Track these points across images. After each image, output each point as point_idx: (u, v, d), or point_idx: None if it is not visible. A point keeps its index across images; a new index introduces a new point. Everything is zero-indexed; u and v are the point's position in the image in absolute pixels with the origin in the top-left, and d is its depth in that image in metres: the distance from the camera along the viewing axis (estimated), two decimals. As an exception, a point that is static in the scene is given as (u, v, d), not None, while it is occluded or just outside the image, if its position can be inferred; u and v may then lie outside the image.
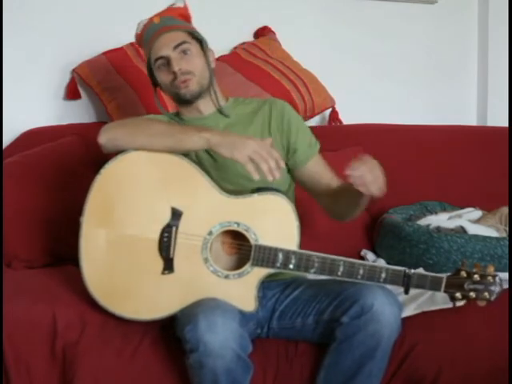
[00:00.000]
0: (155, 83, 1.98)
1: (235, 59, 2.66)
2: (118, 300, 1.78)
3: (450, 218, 2.45)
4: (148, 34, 1.94)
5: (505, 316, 1.90)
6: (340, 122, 2.81)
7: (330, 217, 2.00)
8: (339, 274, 1.74)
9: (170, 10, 1.98)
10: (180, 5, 2.00)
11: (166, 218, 1.76)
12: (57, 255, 2.15)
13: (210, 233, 1.76)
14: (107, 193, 1.78)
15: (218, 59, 2.65)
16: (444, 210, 2.57)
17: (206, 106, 1.95)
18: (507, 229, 2.38)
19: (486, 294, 1.73)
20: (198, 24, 2.68)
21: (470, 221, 2.41)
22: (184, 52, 1.89)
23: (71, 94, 2.58)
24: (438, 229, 2.33)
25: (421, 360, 1.83)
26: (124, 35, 2.59)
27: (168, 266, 1.75)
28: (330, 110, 2.79)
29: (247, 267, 1.75)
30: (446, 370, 1.82)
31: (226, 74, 2.58)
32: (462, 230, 2.33)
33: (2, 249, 2.10)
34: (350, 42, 2.94)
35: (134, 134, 1.78)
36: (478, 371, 1.84)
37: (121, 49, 2.58)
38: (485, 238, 2.22)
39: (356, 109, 2.83)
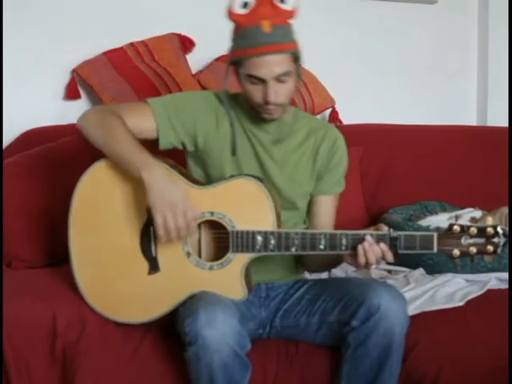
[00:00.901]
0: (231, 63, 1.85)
1: (235, 59, 2.65)
2: (113, 306, 1.80)
3: (450, 219, 2.45)
4: (250, 37, 1.75)
5: (505, 316, 1.90)
6: (340, 121, 2.81)
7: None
8: (322, 247, 1.69)
9: (283, 14, 1.75)
10: (290, 4, 1.75)
11: (144, 218, 1.76)
12: (57, 255, 2.14)
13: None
14: (87, 202, 1.80)
15: (217, 59, 2.67)
16: (444, 210, 2.57)
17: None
18: (507, 229, 2.38)
19: (490, 247, 1.62)
20: (198, 24, 2.71)
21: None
22: (282, 81, 1.75)
23: (71, 94, 2.58)
24: (439, 229, 2.33)
25: (421, 359, 1.83)
26: (124, 35, 2.60)
27: (153, 266, 1.77)
28: (330, 110, 2.79)
29: (229, 255, 1.74)
30: (447, 370, 1.83)
31: (226, 74, 2.58)
32: (462, 230, 2.33)
33: (2, 249, 2.10)
34: (350, 42, 2.94)
35: (100, 141, 1.78)
36: (478, 371, 1.85)
37: (121, 49, 2.58)
38: (485, 238, 2.21)
39: (356, 109, 2.83)
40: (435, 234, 1.65)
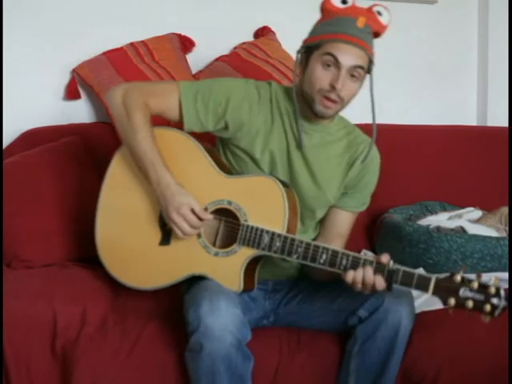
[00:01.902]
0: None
1: (235, 59, 2.66)
2: (119, 265, 1.88)
3: (450, 218, 2.45)
4: (343, 25, 1.79)
5: (505, 316, 1.90)
6: (340, 121, 2.80)
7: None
8: (321, 261, 1.70)
9: (377, 22, 1.84)
10: (385, 20, 1.85)
11: None
12: (57, 255, 2.15)
13: (205, 209, 1.80)
14: (124, 166, 1.90)
15: (217, 59, 2.67)
16: (444, 209, 2.57)
17: (321, 120, 1.89)
18: (507, 229, 2.38)
19: (488, 306, 1.56)
20: (198, 24, 2.71)
21: (469, 221, 2.41)
22: (353, 76, 1.80)
23: (71, 94, 2.58)
24: (438, 229, 2.33)
25: (421, 359, 1.83)
26: (124, 35, 2.60)
27: (165, 238, 1.84)
28: (330, 110, 2.79)
29: (235, 246, 1.78)
30: (446, 370, 1.82)
31: (226, 74, 2.58)
32: (461, 230, 2.33)
33: (2, 249, 2.10)
34: (350, 42, 2.94)
35: (121, 132, 1.86)
36: (478, 371, 1.84)
37: (121, 49, 2.58)
38: (485, 238, 2.22)
39: (356, 109, 2.83)
40: (434, 278, 1.62)
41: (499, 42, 3.03)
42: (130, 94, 1.84)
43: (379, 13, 1.83)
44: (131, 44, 2.60)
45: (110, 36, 2.59)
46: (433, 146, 2.72)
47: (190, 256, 1.81)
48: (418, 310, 1.92)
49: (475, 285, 1.58)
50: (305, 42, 1.87)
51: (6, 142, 2.50)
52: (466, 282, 1.59)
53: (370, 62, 1.86)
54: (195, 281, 1.80)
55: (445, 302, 1.60)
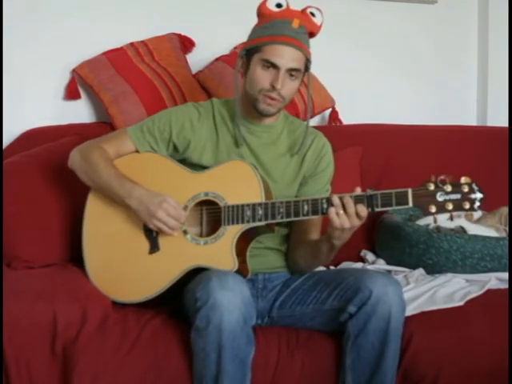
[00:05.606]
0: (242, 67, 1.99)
1: (235, 59, 2.65)
2: (116, 287, 1.92)
3: (449, 219, 2.45)
4: (278, 27, 1.89)
5: (505, 316, 1.90)
6: (340, 122, 2.81)
7: (291, 266, 2.04)
8: (305, 212, 1.77)
9: (311, 23, 1.93)
10: (319, 20, 1.95)
11: None
12: (57, 255, 2.15)
13: (185, 207, 1.88)
14: (100, 198, 1.98)
15: (218, 59, 2.67)
16: (444, 210, 2.57)
17: (267, 119, 2.00)
18: (507, 229, 2.38)
19: (467, 203, 1.65)
20: (198, 24, 2.72)
21: (469, 221, 2.41)
22: (291, 76, 1.89)
23: (71, 94, 2.59)
24: (438, 229, 2.33)
25: (420, 359, 1.83)
26: (124, 35, 2.60)
27: (154, 246, 1.90)
28: (330, 110, 2.79)
29: (221, 229, 1.84)
30: (446, 370, 1.83)
31: (226, 74, 2.58)
32: (461, 230, 2.33)
33: (2, 249, 2.10)
34: (350, 42, 2.94)
35: (87, 181, 1.98)
36: (478, 371, 1.85)
37: (121, 49, 2.59)
38: (484, 238, 2.22)
39: (356, 109, 2.83)
40: (410, 190, 1.69)
41: (499, 42, 3.03)
42: (85, 148, 2.00)
43: (312, 14, 1.93)
44: (131, 44, 2.60)
45: (110, 36, 2.60)
46: (433, 145, 2.72)
47: (182, 253, 1.86)
48: (417, 310, 1.93)
49: (448, 187, 1.66)
50: (244, 45, 1.97)
51: (5, 142, 2.50)
52: (439, 187, 1.67)
53: (308, 61, 1.93)
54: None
55: (427, 212, 1.67)
